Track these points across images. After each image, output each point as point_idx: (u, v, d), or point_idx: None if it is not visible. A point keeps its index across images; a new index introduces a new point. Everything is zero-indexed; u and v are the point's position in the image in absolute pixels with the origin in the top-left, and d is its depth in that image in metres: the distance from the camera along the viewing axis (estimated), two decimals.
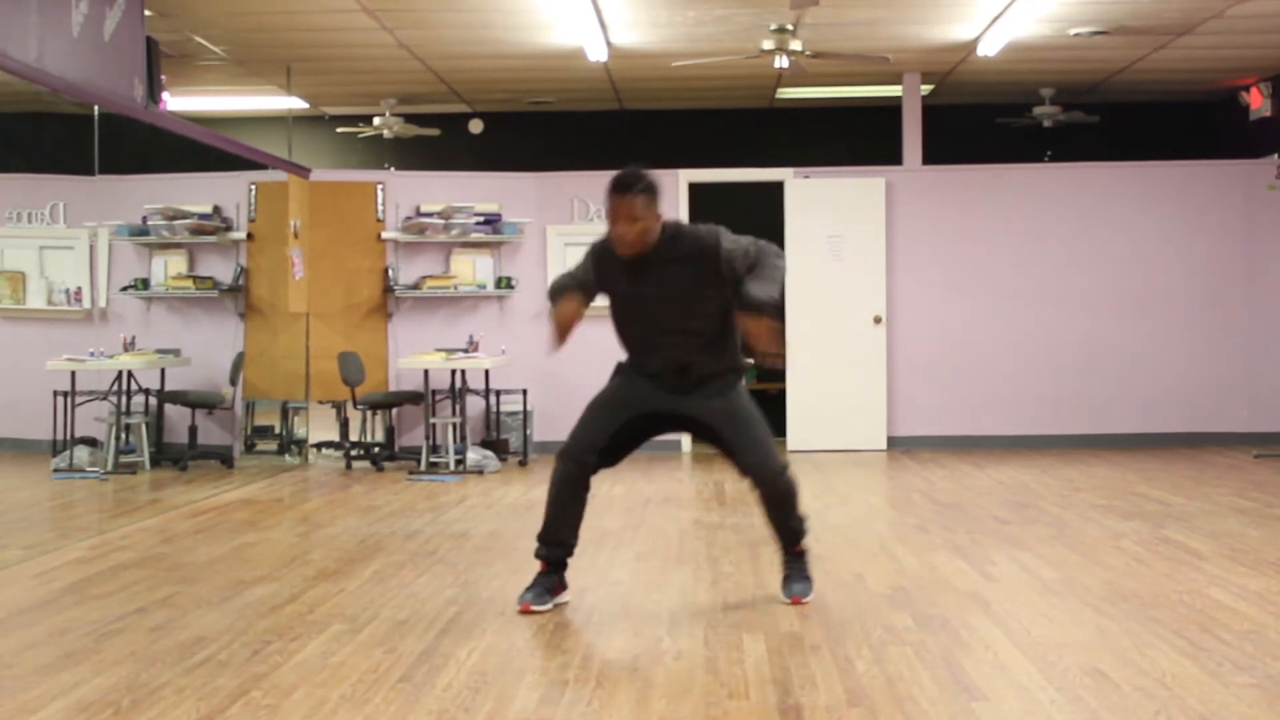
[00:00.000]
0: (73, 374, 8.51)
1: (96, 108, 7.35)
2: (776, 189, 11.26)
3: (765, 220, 10.18)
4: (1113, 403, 11.19)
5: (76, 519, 7.93)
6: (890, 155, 11.74)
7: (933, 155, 11.65)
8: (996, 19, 9.49)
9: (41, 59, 6.60)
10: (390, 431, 10.56)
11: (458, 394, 9.92)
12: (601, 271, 5.07)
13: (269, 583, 5.62)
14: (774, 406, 10.27)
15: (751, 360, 5.40)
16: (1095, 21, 9.61)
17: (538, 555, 5.16)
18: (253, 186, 10.17)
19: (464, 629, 4.75)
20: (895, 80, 11.70)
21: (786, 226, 11.11)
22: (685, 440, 10.93)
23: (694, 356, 5.04)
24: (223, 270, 10.09)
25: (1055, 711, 3.70)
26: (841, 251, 11.14)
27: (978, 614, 4.92)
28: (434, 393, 10.08)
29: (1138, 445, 11.03)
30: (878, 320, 11.15)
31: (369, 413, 10.63)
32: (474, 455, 9.78)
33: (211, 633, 4.70)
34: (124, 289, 9.67)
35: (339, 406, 10.65)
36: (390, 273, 10.86)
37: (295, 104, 12.44)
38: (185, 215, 9.97)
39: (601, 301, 5.12)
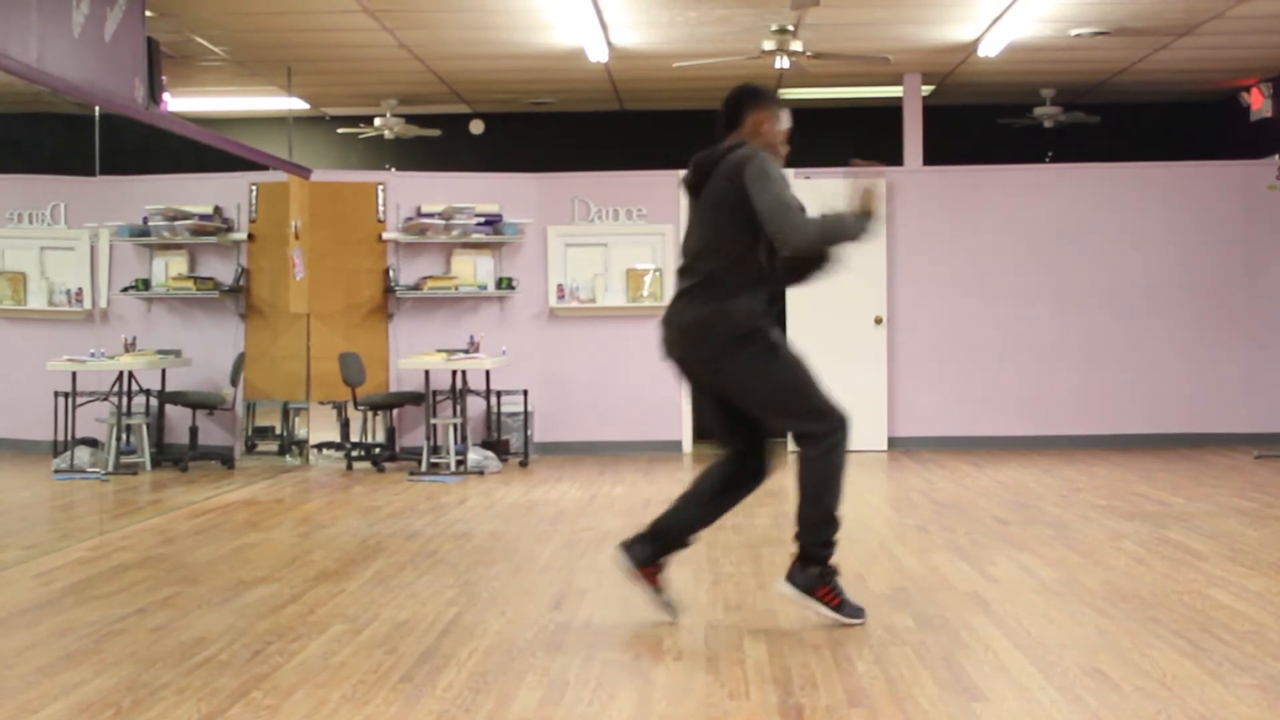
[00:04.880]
0: (73, 375, 8.51)
1: (97, 108, 7.35)
2: None
3: None
4: (1113, 403, 11.19)
5: (77, 519, 7.93)
6: (891, 156, 11.73)
7: (934, 156, 11.65)
8: (997, 20, 9.49)
9: (42, 59, 6.61)
10: (391, 432, 10.57)
11: (458, 394, 9.92)
12: None
13: (270, 583, 5.62)
14: None
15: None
16: (1096, 22, 9.61)
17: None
18: (253, 187, 10.17)
19: (465, 629, 4.75)
20: (896, 81, 11.70)
21: None
22: (686, 439, 10.92)
23: None
24: (223, 271, 10.09)
25: (1055, 712, 3.70)
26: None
27: (978, 614, 4.92)
28: (435, 393, 10.07)
29: (1138, 445, 11.03)
30: (878, 321, 11.14)
31: (370, 413, 10.63)
32: (475, 456, 9.77)
33: (212, 633, 4.70)
34: (125, 289, 9.67)
35: (340, 407, 10.65)
36: (391, 273, 10.86)
37: (296, 104, 12.45)
38: (186, 216, 9.97)
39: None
